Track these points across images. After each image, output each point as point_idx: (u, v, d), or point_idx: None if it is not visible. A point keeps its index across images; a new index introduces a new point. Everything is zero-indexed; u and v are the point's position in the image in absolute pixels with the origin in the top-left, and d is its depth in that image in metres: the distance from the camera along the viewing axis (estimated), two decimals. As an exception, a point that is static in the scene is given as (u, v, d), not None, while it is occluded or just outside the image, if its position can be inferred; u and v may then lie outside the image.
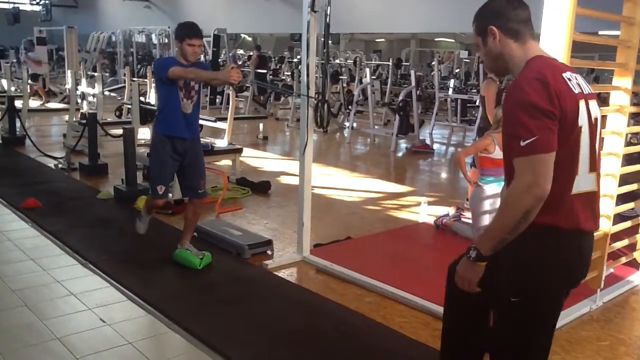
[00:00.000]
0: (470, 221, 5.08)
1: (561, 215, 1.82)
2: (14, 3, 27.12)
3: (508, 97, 1.82)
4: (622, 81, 3.67)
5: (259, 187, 6.52)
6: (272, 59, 19.30)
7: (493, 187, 4.67)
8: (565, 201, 1.83)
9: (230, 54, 17.83)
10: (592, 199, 1.91)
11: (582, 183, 1.86)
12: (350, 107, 11.84)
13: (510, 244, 1.80)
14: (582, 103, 1.83)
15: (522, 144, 1.71)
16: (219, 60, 14.83)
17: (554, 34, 2.90)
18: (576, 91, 1.82)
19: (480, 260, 1.84)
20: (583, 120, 1.83)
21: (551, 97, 1.73)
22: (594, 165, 1.89)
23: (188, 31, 3.90)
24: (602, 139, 2.02)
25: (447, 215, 5.36)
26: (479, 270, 1.86)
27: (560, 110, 1.75)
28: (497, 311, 2.00)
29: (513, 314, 1.92)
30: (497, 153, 4.18)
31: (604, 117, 3.83)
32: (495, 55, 1.95)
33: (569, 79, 1.83)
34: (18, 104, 9.48)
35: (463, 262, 1.90)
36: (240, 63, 17.62)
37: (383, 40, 29.10)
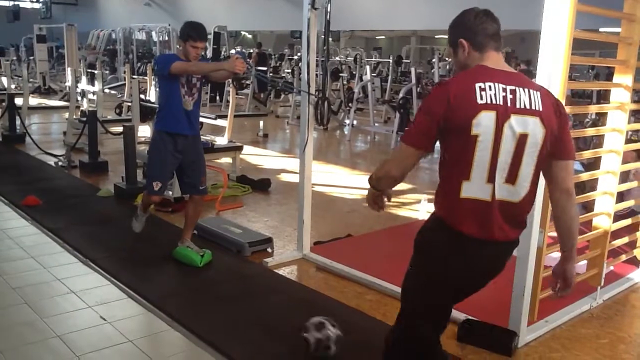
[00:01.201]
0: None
1: (448, 212, 2.01)
2: (14, 0, 27.11)
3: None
4: (623, 78, 3.66)
5: (259, 184, 6.52)
6: (273, 57, 19.28)
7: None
8: (451, 200, 1.99)
9: (237, 49, 17.80)
10: (484, 208, 1.96)
11: (473, 189, 1.94)
12: (350, 104, 11.83)
13: (424, 233, 2.15)
14: (486, 114, 1.88)
15: (404, 130, 2.07)
16: (220, 57, 14.82)
17: (555, 31, 2.89)
18: (482, 101, 1.88)
19: (371, 186, 2.19)
20: (481, 130, 1.88)
21: (441, 101, 1.90)
22: (493, 177, 1.93)
23: (193, 33, 3.87)
24: (567, 155, 2.05)
25: None
26: (371, 192, 2.22)
27: (452, 117, 1.89)
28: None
29: (405, 280, 2.24)
30: None
31: (604, 115, 3.84)
32: (462, 66, 2.06)
33: (483, 89, 1.89)
34: (18, 101, 9.47)
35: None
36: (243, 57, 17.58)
37: (383, 37, 29.05)
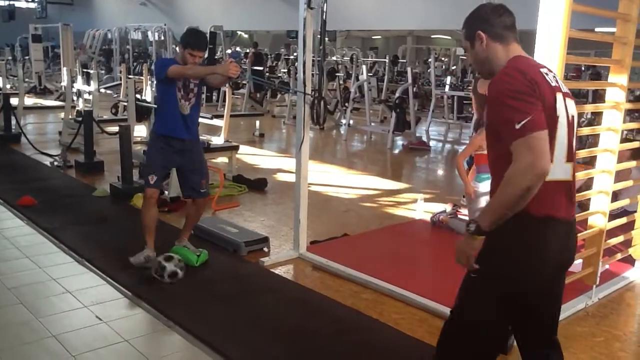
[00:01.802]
0: (466, 218, 5.09)
1: (534, 200, 1.82)
2: (9, 0, 27.02)
3: (491, 90, 1.92)
4: (618, 78, 3.67)
5: (256, 184, 6.52)
6: (269, 56, 19.28)
7: (487, 184, 4.67)
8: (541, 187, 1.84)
9: (229, 51, 17.80)
10: (567, 187, 1.99)
11: (557, 171, 1.91)
12: (346, 104, 11.84)
13: (494, 238, 1.91)
14: (559, 96, 1.94)
15: (517, 126, 1.78)
16: (216, 57, 14.81)
17: (550, 31, 2.90)
18: (553, 84, 1.95)
19: (479, 234, 1.90)
20: (561, 112, 1.93)
21: (530, 83, 1.85)
22: (570, 156, 1.98)
23: (193, 42, 3.88)
24: (577, 136, 2.10)
25: (444, 211, 5.37)
26: (477, 243, 1.93)
27: (540, 96, 1.85)
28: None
29: (468, 287, 2.03)
30: None
31: (599, 115, 3.85)
32: (483, 59, 2.08)
33: (546, 74, 1.96)
34: (14, 101, 9.44)
35: (464, 238, 1.96)
36: (237, 60, 17.58)
37: (380, 37, 29.08)
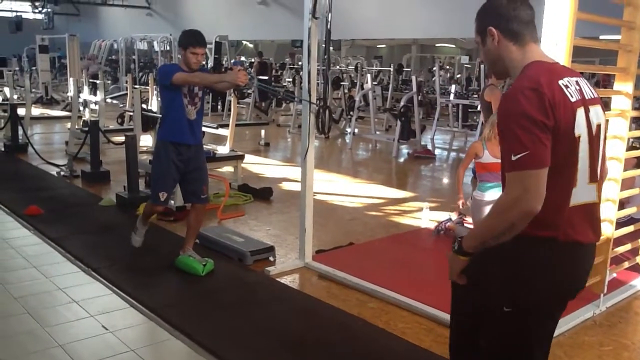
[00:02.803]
0: (472, 226, 5.07)
1: (559, 228, 1.76)
2: (17, 11, 27.26)
3: (502, 107, 1.77)
4: (624, 86, 3.67)
5: (261, 193, 6.52)
6: (274, 66, 19.35)
7: (492, 193, 4.66)
8: (562, 214, 1.77)
9: (232, 61, 17.88)
10: (591, 210, 1.85)
11: (581, 194, 1.79)
12: (351, 112, 11.85)
13: (506, 253, 1.79)
14: (580, 111, 1.76)
15: (513, 158, 1.67)
16: (222, 67, 14.87)
17: (555, 39, 2.90)
18: (573, 99, 1.75)
19: (461, 254, 1.87)
20: (581, 129, 1.76)
21: (545, 108, 1.67)
22: (595, 176, 1.82)
23: (192, 39, 3.89)
24: (605, 146, 1.93)
25: (449, 219, 5.35)
26: (461, 262, 1.89)
27: (555, 121, 1.69)
28: (487, 322, 1.94)
29: (503, 324, 1.87)
30: (486, 157, 4.19)
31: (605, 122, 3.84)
32: (494, 58, 1.90)
33: (567, 86, 1.76)
34: (21, 111, 9.50)
35: (451, 254, 1.94)
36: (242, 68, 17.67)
37: (384, 46, 29.16)
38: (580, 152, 1.76)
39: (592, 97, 1.84)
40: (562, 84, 1.75)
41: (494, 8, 1.86)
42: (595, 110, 1.83)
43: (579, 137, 1.75)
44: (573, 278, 1.89)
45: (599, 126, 1.83)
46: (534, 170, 1.66)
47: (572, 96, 1.75)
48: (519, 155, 1.66)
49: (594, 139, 1.80)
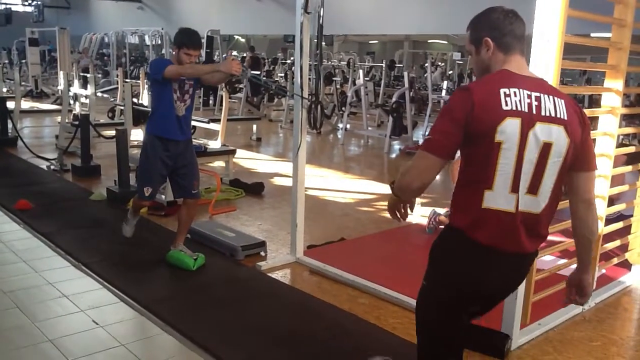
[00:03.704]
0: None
1: (468, 223, 1.90)
2: (6, 4, 26.99)
3: None
4: (614, 83, 3.69)
5: (253, 188, 6.52)
6: (266, 61, 19.30)
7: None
8: (472, 210, 1.88)
9: (224, 55, 17.80)
10: (507, 219, 1.87)
11: (496, 200, 1.85)
12: (343, 108, 11.86)
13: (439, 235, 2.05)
14: (510, 121, 1.80)
15: (424, 138, 1.93)
16: (213, 62, 14.81)
17: (546, 36, 2.91)
18: (507, 107, 1.80)
19: (392, 191, 2.06)
20: (505, 138, 1.80)
21: (464, 107, 1.81)
22: (518, 187, 1.85)
23: (187, 41, 3.84)
24: (589, 166, 1.99)
25: (436, 213, 5.28)
26: (394, 199, 2.07)
27: (474, 121, 1.80)
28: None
29: (419, 295, 2.13)
30: None
31: (595, 119, 3.87)
32: (485, 67, 1.97)
33: (508, 95, 1.81)
34: (10, 105, 9.42)
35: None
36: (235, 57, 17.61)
37: (376, 42, 29.13)
38: (501, 159, 1.82)
39: (552, 116, 1.85)
40: (504, 91, 1.82)
41: (491, 20, 1.94)
42: (547, 129, 1.84)
43: (500, 143, 1.80)
44: (472, 277, 1.96)
45: (547, 145, 1.84)
46: (428, 154, 1.85)
47: (507, 105, 1.81)
48: (427, 138, 1.89)
49: (533, 153, 1.83)
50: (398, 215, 2.11)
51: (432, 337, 2.14)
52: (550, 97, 1.88)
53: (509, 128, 1.80)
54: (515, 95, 1.82)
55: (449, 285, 2.00)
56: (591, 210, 1.99)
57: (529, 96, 1.84)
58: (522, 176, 1.84)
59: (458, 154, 1.95)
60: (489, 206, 1.86)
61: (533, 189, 1.87)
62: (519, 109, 1.81)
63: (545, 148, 1.85)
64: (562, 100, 1.90)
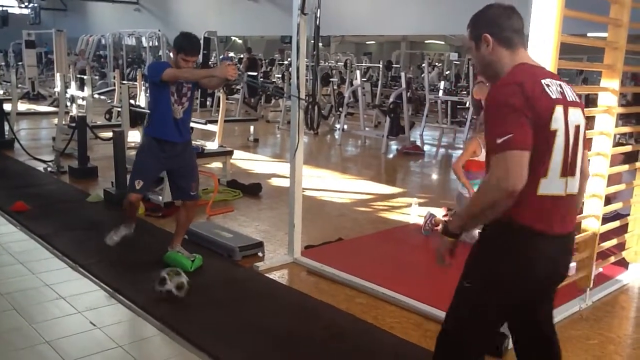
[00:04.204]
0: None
1: (525, 213, 1.89)
2: (3, 6, 26.94)
3: (487, 99, 1.92)
4: (610, 82, 3.70)
5: (250, 189, 6.51)
6: (263, 62, 19.30)
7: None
8: (530, 200, 1.88)
9: (221, 56, 17.80)
10: (561, 202, 1.95)
11: (550, 186, 1.90)
12: (340, 109, 11.86)
13: (482, 236, 1.99)
14: (559, 109, 1.89)
15: (498, 141, 1.80)
16: (209, 63, 14.81)
17: (542, 36, 2.92)
18: (553, 96, 1.90)
19: (447, 234, 1.99)
20: (558, 125, 1.88)
21: (526, 99, 1.82)
22: (566, 171, 1.93)
23: (186, 47, 3.87)
24: (587, 145, 2.09)
25: (432, 215, 5.26)
26: (448, 243, 2.00)
27: (533, 113, 1.82)
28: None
29: (461, 297, 2.05)
30: (483, 155, 4.22)
31: (592, 118, 3.88)
32: (487, 62, 2.02)
33: (548, 85, 1.91)
34: (7, 107, 9.41)
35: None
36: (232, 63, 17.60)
37: (373, 42, 29.16)
38: (555, 146, 1.89)
39: (574, 100, 1.98)
40: (544, 82, 1.91)
41: (489, 17, 2.00)
42: (575, 112, 1.96)
43: (555, 131, 1.88)
44: (546, 268, 1.97)
45: (577, 127, 1.97)
46: (517, 152, 1.78)
47: (552, 94, 1.90)
48: (503, 138, 1.79)
49: (569, 137, 1.93)
50: (447, 261, 2.02)
51: (468, 343, 2.07)
52: (563, 83, 2.00)
53: (558, 115, 1.89)
54: (551, 85, 1.92)
55: (507, 282, 1.95)
56: (586, 181, 2.15)
57: (558, 85, 1.95)
58: (568, 160, 1.93)
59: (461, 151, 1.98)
60: (544, 193, 1.89)
61: (573, 171, 1.97)
62: (559, 96, 1.92)
63: (577, 131, 1.96)
64: (569, 86, 2.03)
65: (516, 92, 1.83)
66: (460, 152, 10.40)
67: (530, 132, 1.81)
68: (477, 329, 2.05)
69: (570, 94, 1.99)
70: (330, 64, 16.84)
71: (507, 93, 1.84)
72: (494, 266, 1.96)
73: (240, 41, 28.15)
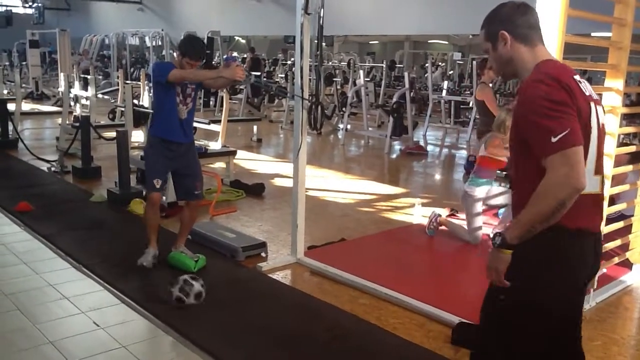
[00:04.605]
0: (462, 222, 5.08)
1: (570, 212, 1.75)
2: (6, 6, 27.03)
3: (524, 98, 1.80)
4: (614, 82, 3.69)
5: (253, 189, 6.51)
6: (266, 61, 19.31)
7: (484, 189, 4.69)
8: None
9: (225, 56, 17.82)
10: (595, 200, 1.93)
11: (588, 184, 1.80)
12: (344, 109, 11.86)
13: (522, 246, 1.80)
14: (592, 105, 1.87)
15: (554, 139, 1.70)
16: (213, 62, 14.82)
17: (546, 36, 2.91)
18: (587, 93, 1.86)
19: (505, 247, 1.81)
20: (593, 122, 1.86)
21: (568, 93, 1.76)
22: (599, 169, 1.92)
23: (190, 51, 3.91)
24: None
25: (435, 214, 5.21)
26: (505, 258, 1.82)
27: (577, 107, 1.77)
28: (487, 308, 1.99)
29: (502, 313, 1.92)
30: (500, 156, 4.24)
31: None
32: (506, 60, 1.96)
33: (580, 81, 1.86)
34: (11, 107, 9.43)
35: (490, 252, 1.87)
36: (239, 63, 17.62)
37: (377, 42, 29.14)
38: (590, 143, 1.84)
39: (596, 98, 1.94)
40: (576, 78, 1.86)
41: (503, 14, 1.95)
42: (600, 110, 1.94)
43: (591, 128, 1.85)
44: (589, 262, 1.94)
45: (603, 125, 1.95)
46: (577, 147, 1.71)
47: (585, 90, 1.86)
48: (560, 135, 1.70)
49: (600, 135, 1.91)
50: (500, 277, 1.85)
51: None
52: (584, 80, 1.94)
53: (593, 112, 1.86)
54: (581, 82, 1.88)
55: (560, 288, 1.86)
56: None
57: (583, 81, 1.90)
58: (599, 158, 1.91)
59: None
60: (584, 192, 1.78)
61: (601, 169, 1.94)
62: (590, 93, 1.89)
63: (603, 128, 1.94)
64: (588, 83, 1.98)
65: (555, 85, 1.75)
66: (463, 152, 10.39)
67: (579, 125, 1.74)
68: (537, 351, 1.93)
69: (593, 91, 1.95)
70: (333, 64, 16.83)
71: (547, 88, 1.75)
72: (540, 268, 1.84)
73: (243, 41, 28.16)
